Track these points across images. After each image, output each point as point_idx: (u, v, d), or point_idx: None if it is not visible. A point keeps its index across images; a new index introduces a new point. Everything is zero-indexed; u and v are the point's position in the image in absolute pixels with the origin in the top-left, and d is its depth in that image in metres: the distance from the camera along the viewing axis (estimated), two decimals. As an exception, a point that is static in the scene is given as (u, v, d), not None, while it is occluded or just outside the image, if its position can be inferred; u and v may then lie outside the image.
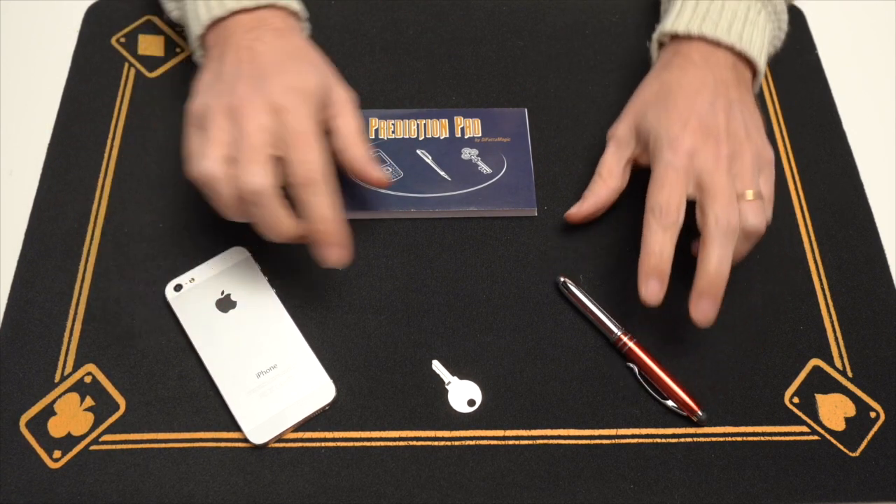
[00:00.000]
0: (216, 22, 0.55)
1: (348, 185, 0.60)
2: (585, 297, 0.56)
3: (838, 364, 0.56)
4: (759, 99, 0.67)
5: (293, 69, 0.52)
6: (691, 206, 0.53)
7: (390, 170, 0.61)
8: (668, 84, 0.57)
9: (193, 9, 0.56)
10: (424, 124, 0.64)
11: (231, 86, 0.51)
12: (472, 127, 0.64)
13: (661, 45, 0.61)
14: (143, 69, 0.66)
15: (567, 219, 0.59)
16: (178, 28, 0.69)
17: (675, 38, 0.59)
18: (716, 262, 0.50)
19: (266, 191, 0.48)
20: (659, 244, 0.51)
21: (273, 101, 0.49)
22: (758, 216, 0.52)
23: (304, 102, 0.50)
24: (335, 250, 0.50)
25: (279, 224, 0.49)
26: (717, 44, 0.57)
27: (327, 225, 0.49)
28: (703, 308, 0.51)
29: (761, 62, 0.58)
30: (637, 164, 0.58)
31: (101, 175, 0.61)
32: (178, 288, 0.56)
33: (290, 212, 0.50)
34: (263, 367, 0.53)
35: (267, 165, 0.48)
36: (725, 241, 0.50)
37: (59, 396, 0.53)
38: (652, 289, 0.51)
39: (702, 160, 0.52)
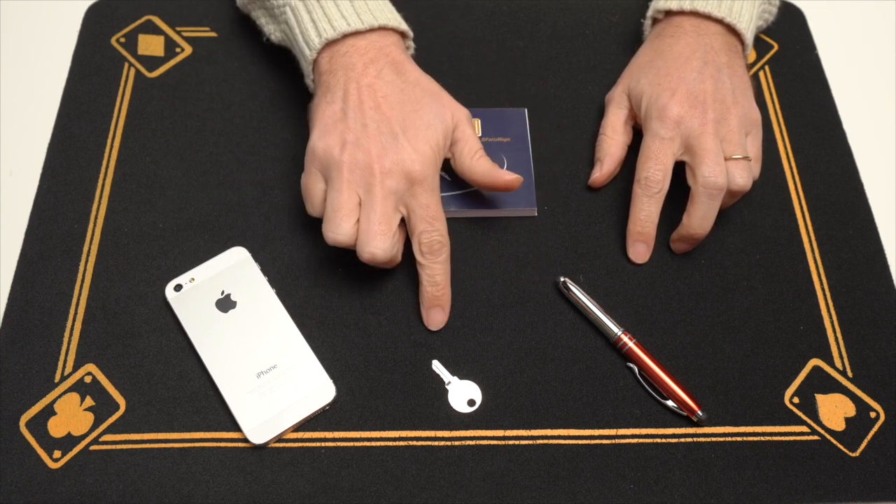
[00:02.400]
0: (328, 45, 0.55)
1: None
2: (585, 297, 0.56)
3: (838, 364, 0.56)
4: (760, 99, 0.67)
5: (421, 124, 0.53)
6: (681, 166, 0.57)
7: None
8: (660, 51, 0.60)
9: (302, 32, 0.56)
10: (424, 124, 0.63)
11: (359, 136, 0.52)
12: (472, 127, 0.63)
13: (654, 21, 0.64)
14: (143, 69, 0.66)
15: (592, 185, 0.62)
16: (180, 28, 0.69)
17: (669, 13, 0.62)
18: (699, 218, 0.56)
19: (387, 260, 0.52)
20: (645, 211, 0.58)
21: (406, 169, 0.51)
22: (744, 175, 0.56)
23: (434, 165, 0.53)
24: (439, 313, 0.55)
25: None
26: (707, 16, 0.60)
27: (439, 290, 0.54)
28: (678, 248, 0.59)
29: (749, 34, 0.61)
30: (636, 123, 0.62)
31: (101, 175, 0.61)
32: (178, 288, 0.56)
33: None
34: (263, 367, 0.53)
35: (389, 237, 0.51)
36: (710, 200, 0.55)
37: (59, 396, 0.53)
38: (639, 250, 0.59)
39: (689, 126, 0.56)
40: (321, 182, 0.53)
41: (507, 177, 0.56)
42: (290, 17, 0.57)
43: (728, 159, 0.56)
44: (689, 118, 0.56)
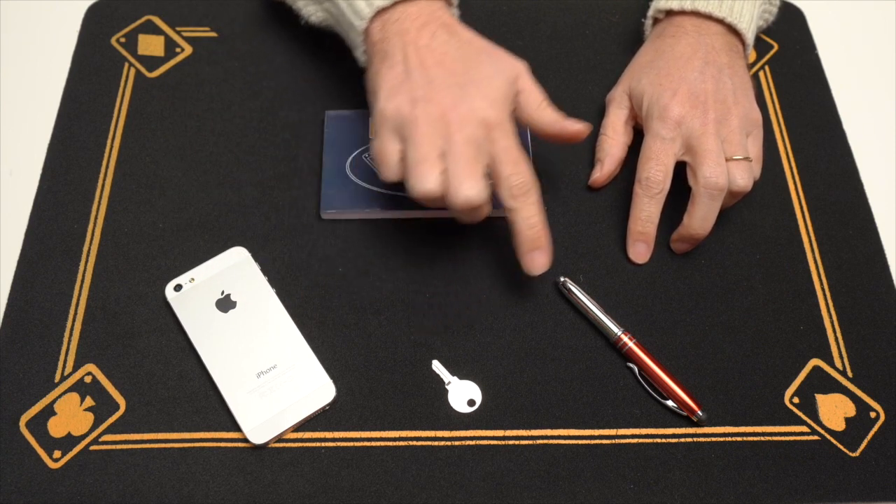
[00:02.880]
0: (379, 14, 0.55)
1: (349, 186, 0.60)
2: (585, 297, 0.56)
3: (838, 364, 0.56)
4: (760, 99, 0.67)
5: (485, 75, 0.53)
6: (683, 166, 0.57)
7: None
8: (661, 51, 0.60)
9: (350, 4, 0.56)
10: (424, 124, 0.63)
11: (427, 91, 0.51)
12: (472, 127, 0.63)
13: (655, 21, 0.64)
14: (143, 69, 0.66)
15: (592, 185, 0.62)
16: (180, 28, 0.69)
17: (670, 13, 0.62)
18: (699, 218, 0.56)
19: (482, 204, 0.50)
20: (646, 211, 0.58)
21: (481, 116, 0.51)
22: (744, 176, 0.56)
23: (506, 111, 0.52)
24: (541, 255, 0.53)
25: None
26: (708, 16, 0.60)
27: (536, 230, 0.52)
28: (678, 248, 0.59)
29: (749, 34, 0.61)
30: (636, 123, 0.62)
31: (101, 175, 0.61)
32: (178, 288, 0.56)
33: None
34: (263, 367, 0.53)
35: (481, 180, 0.50)
36: (711, 201, 0.55)
37: (59, 396, 0.53)
38: (639, 250, 0.59)
39: (690, 126, 0.56)
40: (395, 143, 0.51)
41: (574, 126, 0.55)
42: None
43: (729, 160, 0.55)
44: (690, 118, 0.56)
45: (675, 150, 0.57)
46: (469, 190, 0.49)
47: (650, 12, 0.64)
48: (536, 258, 0.53)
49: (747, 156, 0.56)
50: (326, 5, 0.59)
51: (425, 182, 0.49)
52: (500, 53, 0.55)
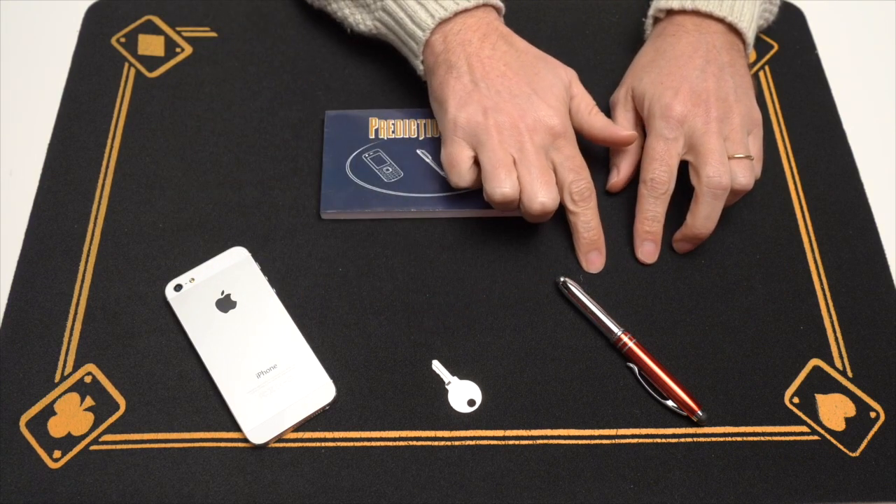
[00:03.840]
0: (440, 25, 0.57)
1: (349, 186, 0.60)
2: (585, 297, 0.56)
3: (838, 364, 0.56)
4: (760, 99, 0.67)
5: (545, 84, 0.57)
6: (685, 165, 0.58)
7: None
8: (663, 51, 0.61)
9: (410, 16, 0.58)
10: (424, 124, 0.64)
11: (496, 102, 0.55)
12: (472, 127, 0.63)
13: (655, 20, 0.64)
14: (143, 69, 0.66)
15: (610, 190, 0.62)
16: (180, 28, 0.69)
17: (670, 12, 0.62)
18: (703, 218, 0.56)
19: (554, 207, 0.54)
20: (652, 211, 0.58)
21: (547, 125, 0.55)
22: (746, 175, 0.56)
23: (567, 118, 0.57)
24: (598, 255, 0.58)
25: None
26: (709, 15, 0.60)
27: (594, 233, 0.57)
28: (681, 248, 0.59)
29: (750, 33, 0.61)
30: (642, 122, 0.61)
31: (101, 175, 0.61)
32: (178, 288, 0.56)
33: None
34: (263, 367, 0.53)
35: (553, 187, 0.54)
36: (715, 200, 0.55)
37: (59, 396, 0.53)
38: (648, 249, 0.59)
39: (692, 125, 0.57)
40: (468, 150, 0.55)
41: (623, 133, 0.58)
42: (390, 4, 0.58)
43: (731, 158, 0.56)
44: (692, 117, 0.56)
45: (679, 150, 0.57)
46: (544, 196, 0.53)
47: (651, 11, 0.64)
48: (594, 259, 0.58)
49: (749, 154, 0.56)
50: (380, 14, 0.60)
51: (504, 186, 0.53)
52: (554, 61, 0.59)
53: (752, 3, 0.61)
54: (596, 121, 0.58)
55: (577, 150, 0.56)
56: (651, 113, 0.58)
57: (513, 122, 0.54)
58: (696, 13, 0.60)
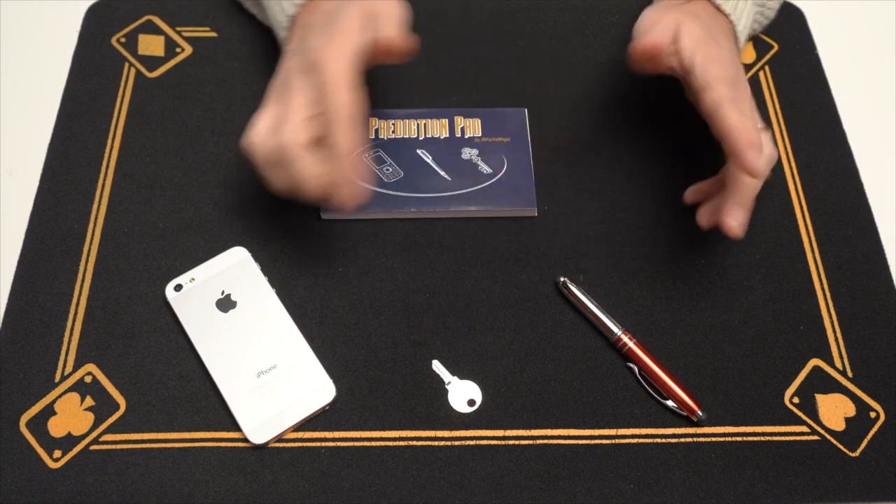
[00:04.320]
0: (295, 18, 0.57)
1: (348, 185, 0.60)
2: (585, 297, 0.56)
3: (838, 364, 0.56)
4: (760, 99, 0.67)
5: (336, 20, 0.52)
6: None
7: (392, 168, 0.61)
8: (701, 17, 0.56)
9: (274, 13, 0.58)
10: (424, 124, 0.64)
11: (286, 62, 0.53)
12: (472, 127, 0.64)
13: None
14: (143, 69, 0.66)
15: (636, 52, 0.56)
16: (180, 28, 0.69)
17: None
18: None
19: (289, 145, 0.49)
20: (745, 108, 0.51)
21: (309, 60, 0.51)
22: (772, 146, 0.54)
23: (340, 50, 0.51)
24: (348, 187, 0.51)
25: (308, 171, 0.50)
26: (717, 7, 0.58)
27: (345, 160, 0.50)
28: (741, 217, 0.53)
29: (742, 38, 0.60)
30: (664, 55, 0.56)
31: (101, 175, 0.61)
32: (178, 288, 0.56)
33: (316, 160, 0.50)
34: (263, 367, 0.53)
35: (299, 125, 0.49)
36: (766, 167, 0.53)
37: (60, 396, 0.53)
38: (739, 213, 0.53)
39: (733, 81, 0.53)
40: None
41: (406, 41, 0.54)
42: None
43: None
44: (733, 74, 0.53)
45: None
46: (284, 134, 0.50)
47: None
48: (345, 190, 0.51)
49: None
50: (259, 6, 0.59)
51: (248, 131, 0.51)
52: None
53: (749, 10, 0.60)
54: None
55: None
56: (695, 69, 0.53)
57: (288, 75, 0.53)
58: (709, 0, 0.58)
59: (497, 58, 0.68)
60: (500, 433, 0.52)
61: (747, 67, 0.69)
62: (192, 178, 0.61)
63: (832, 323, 0.57)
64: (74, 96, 0.65)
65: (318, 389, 0.53)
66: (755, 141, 0.50)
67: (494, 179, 0.61)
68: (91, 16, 0.69)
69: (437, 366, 0.55)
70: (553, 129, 0.65)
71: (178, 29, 0.69)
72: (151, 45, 0.68)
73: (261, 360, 0.53)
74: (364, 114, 0.51)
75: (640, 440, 0.53)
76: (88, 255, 0.58)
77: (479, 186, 0.61)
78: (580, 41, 0.70)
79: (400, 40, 0.53)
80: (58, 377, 0.53)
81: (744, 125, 0.50)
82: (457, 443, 0.52)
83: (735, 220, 0.53)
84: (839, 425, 0.54)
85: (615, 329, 0.55)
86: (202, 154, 0.62)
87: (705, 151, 0.61)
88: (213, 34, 0.68)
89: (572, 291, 0.56)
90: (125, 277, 0.57)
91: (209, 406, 0.53)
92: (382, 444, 0.52)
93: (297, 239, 0.59)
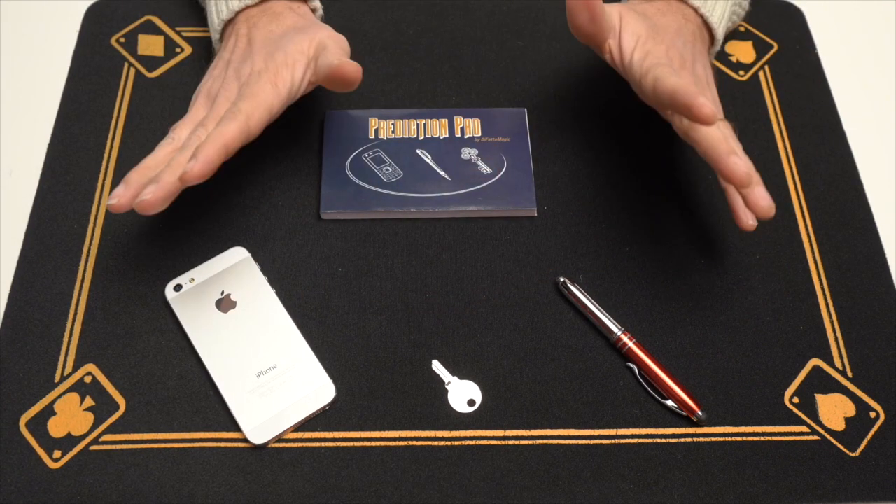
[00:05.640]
0: (227, 24, 0.58)
1: (349, 186, 0.60)
2: (585, 297, 0.56)
3: (838, 364, 0.56)
4: (760, 99, 0.67)
5: (281, 47, 0.55)
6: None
7: (390, 169, 0.61)
8: (649, 15, 0.58)
9: (209, 13, 0.60)
10: (424, 124, 0.64)
11: (217, 72, 0.56)
12: (471, 127, 0.64)
13: None
14: (143, 69, 0.66)
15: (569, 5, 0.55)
16: (180, 28, 0.69)
17: None
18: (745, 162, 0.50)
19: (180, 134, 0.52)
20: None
21: (241, 85, 0.53)
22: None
23: (275, 87, 0.53)
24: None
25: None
26: (694, 9, 0.59)
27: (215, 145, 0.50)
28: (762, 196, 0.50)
29: (719, 32, 0.61)
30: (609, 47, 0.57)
31: (101, 175, 0.61)
32: (178, 288, 0.56)
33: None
34: (263, 367, 0.53)
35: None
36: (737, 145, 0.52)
37: (59, 396, 0.53)
38: (761, 193, 0.50)
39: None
40: None
41: (350, 66, 0.54)
42: None
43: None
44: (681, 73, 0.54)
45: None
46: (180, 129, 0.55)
47: None
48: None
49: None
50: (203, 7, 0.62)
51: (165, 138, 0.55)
52: (318, 27, 0.58)
53: (724, 4, 0.61)
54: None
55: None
56: (647, 54, 0.55)
57: (220, 86, 0.55)
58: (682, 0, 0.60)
59: (497, 58, 0.68)
60: (500, 433, 0.52)
61: (747, 67, 0.69)
62: (192, 178, 0.61)
63: (832, 323, 0.57)
64: (74, 96, 0.65)
65: (318, 389, 0.53)
66: (699, 93, 0.48)
67: (494, 179, 0.61)
68: (90, 16, 0.69)
69: (437, 366, 0.55)
70: (553, 129, 0.65)
71: (178, 29, 0.69)
72: (151, 45, 0.68)
73: (261, 360, 0.53)
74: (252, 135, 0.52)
75: (640, 440, 0.53)
76: (88, 255, 0.58)
77: (479, 186, 0.61)
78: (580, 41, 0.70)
79: (346, 70, 0.54)
80: (58, 377, 0.53)
81: (684, 83, 0.49)
82: (457, 443, 0.52)
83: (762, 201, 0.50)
84: (839, 425, 0.54)
85: (615, 329, 0.55)
86: (202, 154, 0.62)
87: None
88: (213, 34, 0.68)
89: (572, 291, 0.56)
90: (125, 277, 0.57)
91: (209, 406, 0.53)
92: (382, 444, 0.52)
93: (297, 239, 0.59)
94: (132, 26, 0.69)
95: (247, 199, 0.61)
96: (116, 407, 0.52)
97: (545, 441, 0.52)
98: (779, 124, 0.66)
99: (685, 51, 0.57)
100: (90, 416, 0.52)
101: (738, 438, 0.53)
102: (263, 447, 0.51)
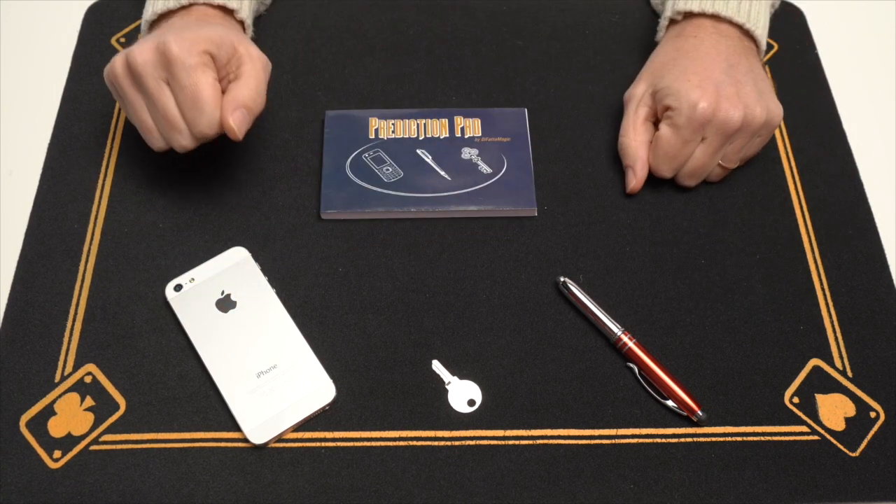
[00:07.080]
0: (151, 26, 0.59)
1: (349, 186, 0.60)
2: (585, 297, 0.56)
3: (838, 364, 0.56)
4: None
5: (193, 27, 0.53)
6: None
7: (389, 170, 0.61)
8: (685, 51, 0.60)
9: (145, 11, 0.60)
10: (424, 124, 0.64)
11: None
12: (472, 127, 0.64)
13: (671, 22, 0.64)
14: (143, 69, 0.66)
15: (631, 193, 0.61)
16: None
17: (689, 15, 0.62)
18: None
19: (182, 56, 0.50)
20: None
21: (159, 42, 0.51)
22: (712, 179, 0.62)
23: (193, 44, 0.51)
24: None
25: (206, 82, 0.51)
26: (728, 20, 0.61)
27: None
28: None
29: (763, 39, 0.62)
30: (656, 119, 0.61)
31: (101, 175, 0.61)
32: (178, 288, 0.56)
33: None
34: (263, 367, 0.53)
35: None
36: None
37: (59, 396, 0.53)
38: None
39: (715, 125, 0.57)
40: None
41: (233, 122, 0.53)
42: None
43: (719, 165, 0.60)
44: (716, 121, 0.57)
45: (693, 149, 0.59)
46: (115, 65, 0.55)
47: (668, 13, 0.64)
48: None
49: (734, 167, 0.60)
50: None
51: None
52: (237, 31, 0.58)
53: (765, 8, 0.62)
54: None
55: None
56: (675, 109, 0.57)
57: (135, 49, 0.53)
58: (715, 17, 0.61)
59: (497, 58, 0.68)
60: (500, 433, 0.52)
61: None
62: (192, 177, 0.61)
63: (832, 323, 0.57)
64: (74, 96, 0.65)
65: (318, 389, 0.53)
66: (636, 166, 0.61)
67: (494, 179, 0.61)
68: (91, 16, 0.69)
69: (437, 366, 0.55)
70: (553, 129, 0.65)
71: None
72: (151, 45, 0.68)
73: (261, 360, 0.53)
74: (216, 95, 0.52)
75: (640, 440, 0.53)
76: (88, 255, 0.58)
77: (479, 186, 0.61)
78: (580, 41, 0.70)
79: (227, 128, 0.52)
80: (58, 377, 0.53)
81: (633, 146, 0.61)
82: (457, 443, 0.52)
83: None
84: (839, 425, 0.54)
85: (615, 329, 0.55)
86: (202, 153, 0.62)
87: (705, 151, 0.61)
88: (213, 34, 0.68)
89: (572, 291, 0.56)
90: (125, 277, 0.57)
91: (209, 406, 0.53)
92: (382, 444, 0.52)
93: (297, 239, 0.59)
94: (132, 26, 0.69)
95: (247, 199, 0.61)
96: (116, 407, 0.52)
97: (545, 441, 0.52)
98: (779, 124, 0.66)
99: (727, 83, 0.57)
100: (90, 416, 0.52)
101: (738, 438, 0.53)
102: (263, 447, 0.51)
